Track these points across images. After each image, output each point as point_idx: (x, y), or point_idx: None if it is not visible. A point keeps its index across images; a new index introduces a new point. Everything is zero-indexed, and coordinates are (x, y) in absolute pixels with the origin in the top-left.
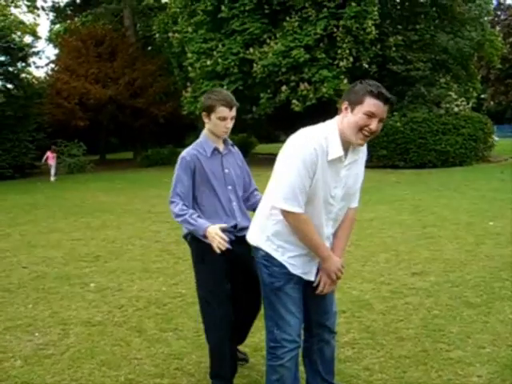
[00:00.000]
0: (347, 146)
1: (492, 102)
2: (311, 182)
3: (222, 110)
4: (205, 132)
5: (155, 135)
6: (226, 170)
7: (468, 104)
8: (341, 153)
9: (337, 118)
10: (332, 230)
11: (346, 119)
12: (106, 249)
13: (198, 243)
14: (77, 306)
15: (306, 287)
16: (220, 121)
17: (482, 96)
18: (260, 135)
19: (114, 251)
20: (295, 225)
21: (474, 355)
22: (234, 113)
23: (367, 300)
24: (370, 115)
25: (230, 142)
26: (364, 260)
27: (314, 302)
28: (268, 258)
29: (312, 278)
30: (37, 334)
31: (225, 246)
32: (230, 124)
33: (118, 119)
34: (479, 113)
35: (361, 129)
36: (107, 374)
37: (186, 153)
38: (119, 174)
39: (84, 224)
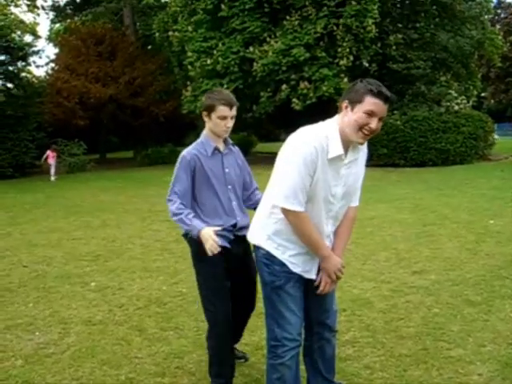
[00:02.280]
0: (347, 144)
1: (492, 101)
2: (311, 180)
3: (223, 110)
4: (205, 132)
5: (155, 134)
6: (227, 170)
7: (468, 102)
8: (341, 151)
9: (337, 117)
10: (332, 229)
11: (346, 118)
12: (106, 248)
13: (197, 242)
14: (77, 305)
15: (307, 286)
16: (220, 120)
17: (483, 94)
18: (260, 134)
19: (115, 250)
20: (295, 223)
21: (475, 353)
22: (234, 112)
23: (368, 298)
24: (370, 114)
25: (231, 141)
26: (364, 258)
27: (315, 301)
28: (269, 256)
29: (313, 277)
30: (37, 333)
31: (217, 249)
32: (230, 123)
33: (118, 118)
34: (479, 111)
35: (361, 127)
36: (108, 373)
37: (186, 152)
38: (119, 172)
39: (84, 223)
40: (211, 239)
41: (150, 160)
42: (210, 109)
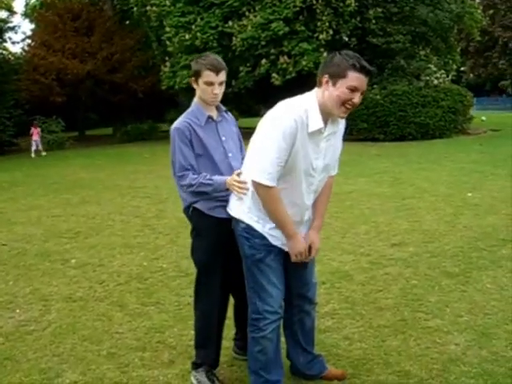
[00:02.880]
0: (326, 117)
1: (471, 75)
2: (288, 154)
3: (208, 75)
4: (196, 100)
5: (134, 110)
6: (223, 138)
7: (448, 76)
8: (321, 125)
9: (316, 90)
10: (311, 202)
11: (328, 93)
12: (86, 225)
13: (198, 216)
14: (58, 282)
15: (286, 259)
16: (207, 86)
17: (462, 68)
18: (241, 109)
19: (95, 227)
20: (264, 198)
21: (452, 324)
22: (222, 78)
23: (347, 271)
24: (354, 89)
25: (224, 108)
26: (343, 232)
27: (295, 273)
28: (249, 230)
29: None
30: (18, 311)
31: (247, 188)
32: (217, 89)
33: (96, 95)
34: (459, 85)
35: (343, 103)
36: (89, 349)
37: (178, 123)
38: (99, 150)
39: (64, 200)
40: (237, 183)
41: (130, 136)
42: (197, 74)
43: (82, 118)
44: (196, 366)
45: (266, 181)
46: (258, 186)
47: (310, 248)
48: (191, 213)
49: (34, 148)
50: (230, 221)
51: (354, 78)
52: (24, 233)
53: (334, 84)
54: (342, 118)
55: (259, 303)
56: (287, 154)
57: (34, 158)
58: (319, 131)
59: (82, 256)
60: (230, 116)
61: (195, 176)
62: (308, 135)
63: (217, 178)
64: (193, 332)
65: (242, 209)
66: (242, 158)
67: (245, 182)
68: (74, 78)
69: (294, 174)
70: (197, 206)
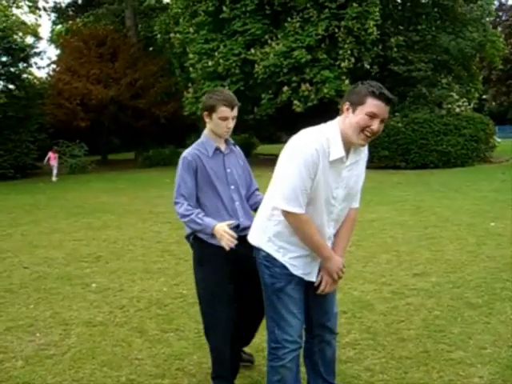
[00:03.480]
0: (348, 146)
1: (494, 103)
2: (312, 182)
3: (224, 110)
4: (206, 132)
5: (156, 136)
6: (228, 170)
7: (469, 105)
8: (342, 153)
9: (338, 119)
10: (333, 231)
11: (348, 120)
12: (107, 249)
13: (199, 244)
14: (78, 306)
15: (308, 288)
16: (221, 121)
17: (484, 97)
18: (261, 136)
19: (116, 252)
20: (296, 225)
21: (475, 356)
22: (235, 113)
23: (368, 300)
24: (372, 116)
25: (232, 141)
26: (365, 261)
27: (316, 303)
28: (269, 258)
29: (313, 279)
30: (38, 335)
31: (234, 242)
32: (231, 124)
33: (119, 120)
34: (481, 113)
35: (362, 129)
36: (108, 375)
37: (187, 153)
38: (121, 174)
39: (85, 224)
40: (226, 234)
41: (151, 161)
42: (211, 109)
43: (105, 143)
44: None
45: (293, 208)
46: (287, 214)
47: None
48: (192, 240)
49: (54, 172)
50: (234, 250)
51: (373, 105)
52: (45, 256)
53: (354, 111)
54: (361, 145)
55: (278, 332)
56: (311, 182)
57: (57, 182)
58: (341, 160)
59: (102, 280)
60: (237, 149)
61: (190, 208)
62: (329, 164)
63: (207, 221)
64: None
65: (263, 238)
66: (252, 192)
67: (234, 236)
68: (98, 103)
69: (316, 203)
70: (198, 234)
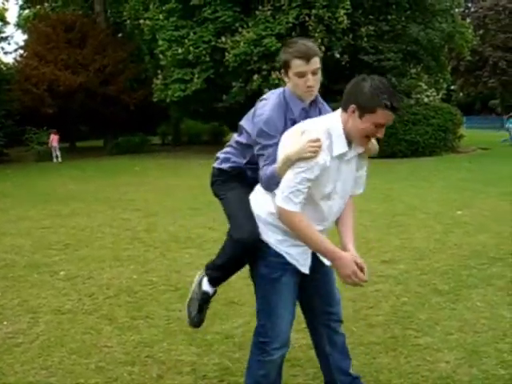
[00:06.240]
0: (350, 141)
1: (461, 94)
2: (313, 179)
3: (299, 65)
4: (288, 91)
5: (126, 123)
6: None
7: (438, 95)
8: (345, 148)
9: (340, 113)
10: (332, 225)
11: (353, 123)
12: (75, 237)
13: (228, 173)
14: (46, 294)
15: (304, 279)
16: (298, 78)
17: (452, 87)
18: (232, 124)
19: (84, 239)
20: (290, 224)
21: (442, 341)
22: (314, 65)
23: (337, 287)
24: (380, 126)
25: (321, 100)
26: None
27: (316, 291)
28: (264, 248)
29: (307, 271)
30: (5, 323)
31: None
32: (311, 81)
33: (88, 106)
34: (449, 104)
35: (367, 136)
36: (77, 362)
37: (269, 112)
38: (89, 161)
39: (54, 212)
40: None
41: (120, 149)
42: (286, 65)
43: (73, 130)
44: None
45: (288, 206)
46: (282, 211)
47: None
48: (217, 170)
49: (54, 154)
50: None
51: (383, 117)
52: (13, 244)
53: (361, 116)
54: (362, 147)
55: (269, 326)
56: (312, 179)
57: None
58: (343, 154)
59: (71, 268)
60: (326, 108)
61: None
62: (331, 158)
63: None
64: (181, 347)
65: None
66: None
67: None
68: (66, 89)
69: (316, 197)
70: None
